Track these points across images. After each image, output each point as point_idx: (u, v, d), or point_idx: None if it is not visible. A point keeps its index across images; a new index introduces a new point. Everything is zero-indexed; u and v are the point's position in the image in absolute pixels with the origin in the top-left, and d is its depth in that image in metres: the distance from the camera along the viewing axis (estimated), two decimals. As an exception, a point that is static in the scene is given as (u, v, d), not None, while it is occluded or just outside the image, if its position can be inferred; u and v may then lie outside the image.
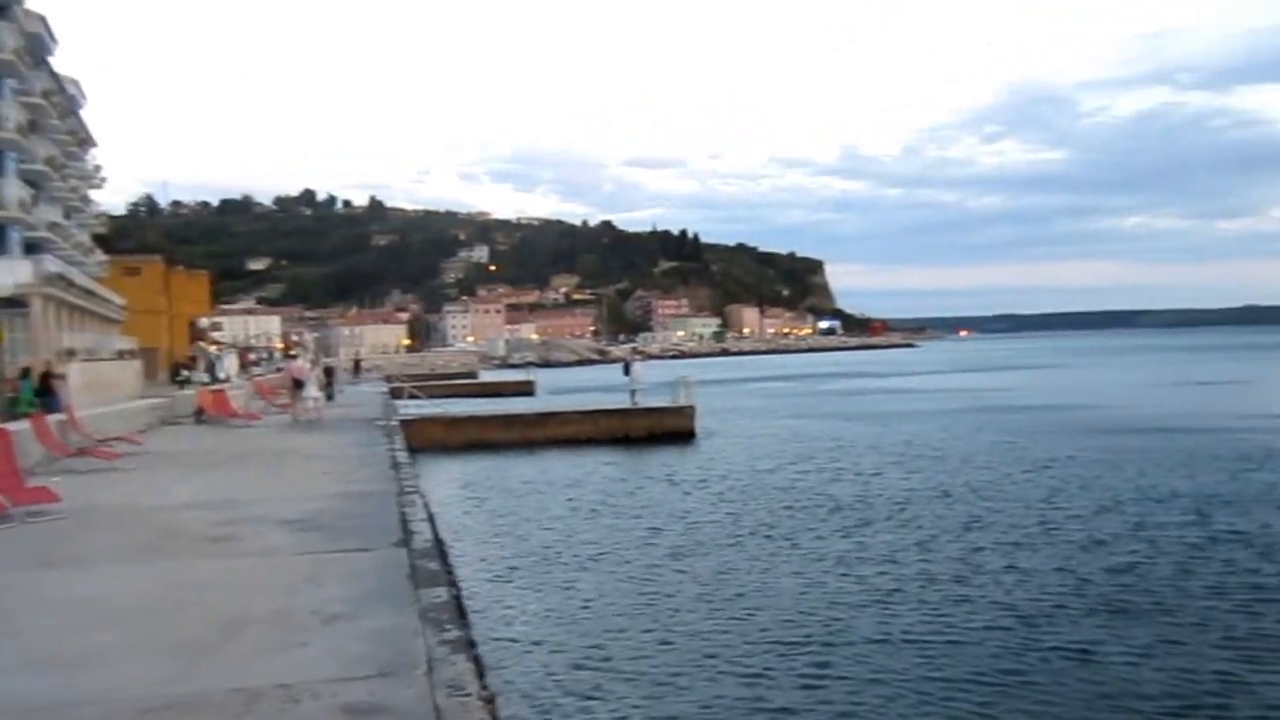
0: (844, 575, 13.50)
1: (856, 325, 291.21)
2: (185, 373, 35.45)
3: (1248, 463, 23.00)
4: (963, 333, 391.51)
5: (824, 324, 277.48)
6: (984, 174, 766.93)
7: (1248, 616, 11.11)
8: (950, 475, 22.58)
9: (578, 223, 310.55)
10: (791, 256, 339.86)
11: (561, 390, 63.25)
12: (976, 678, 9.38)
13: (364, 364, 68.87)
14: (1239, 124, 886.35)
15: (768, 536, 16.24)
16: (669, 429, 34.08)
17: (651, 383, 38.08)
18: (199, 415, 23.45)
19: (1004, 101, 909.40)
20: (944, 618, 11.28)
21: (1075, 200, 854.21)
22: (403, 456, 15.53)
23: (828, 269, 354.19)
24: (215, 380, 33.06)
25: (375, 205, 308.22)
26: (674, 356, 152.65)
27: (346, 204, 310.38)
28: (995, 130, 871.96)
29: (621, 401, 35.99)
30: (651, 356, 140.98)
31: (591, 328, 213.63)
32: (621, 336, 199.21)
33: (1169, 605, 11.62)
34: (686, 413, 35.46)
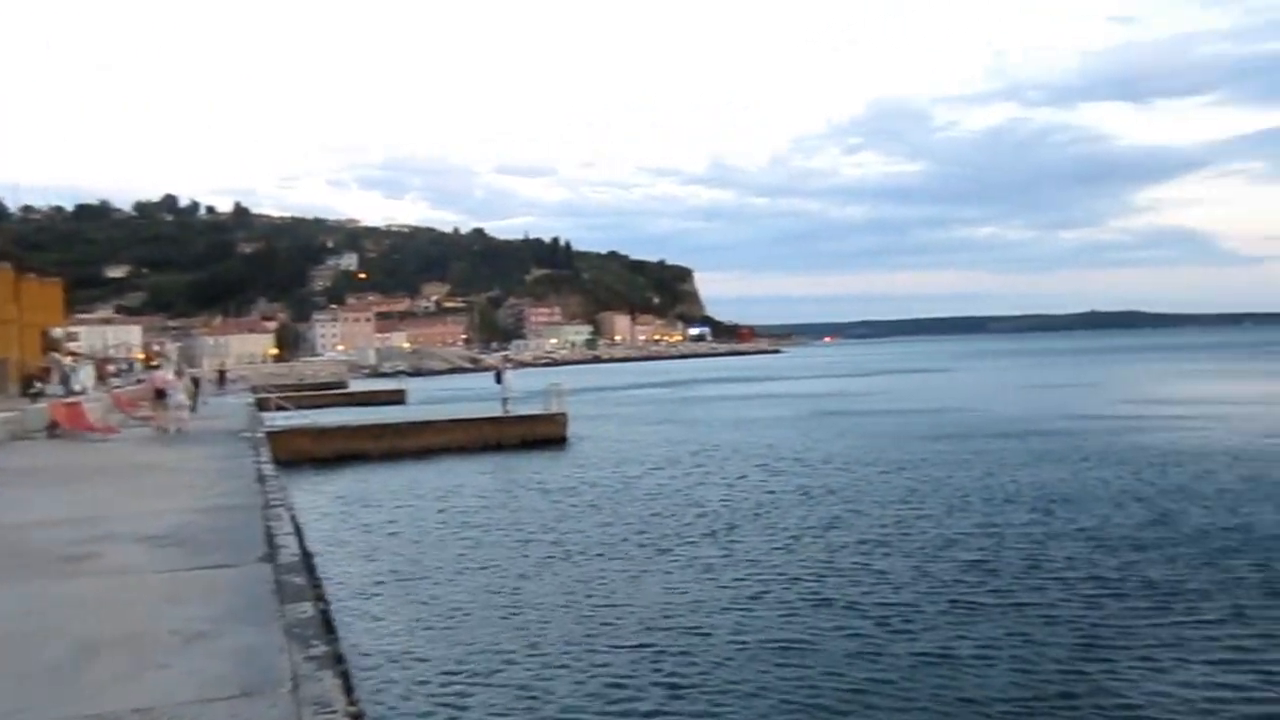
0: (708, 579, 13.71)
1: (725, 332, 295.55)
2: (37, 385, 33.56)
3: (1087, 461, 24.28)
4: (827, 339, 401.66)
5: (694, 331, 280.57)
6: (846, 185, 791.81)
7: (1089, 607, 11.69)
8: (811, 478, 23.17)
9: (449, 230, 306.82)
10: (662, 264, 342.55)
11: (433, 399, 62.43)
12: (836, 680, 9.60)
13: (229, 374, 66.48)
14: (1080, 139, 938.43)
15: (635, 543, 16.39)
16: (541, 436, 34.04)
17: (524, 390, 37.97)
18: (52, 429, 22.26)
19: (865, 115, 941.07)
20: (804, 620, 11.55)
21: (931, 211, 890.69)
22: (269, 469, 15.07)
23: (697, 277, 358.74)
24: (70, 393, 31.43)
25: (240, 211, 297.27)
26: (547, 364, 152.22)
27: (210, 210, 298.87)
28: (856, 142, 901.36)
29: (494, 410, 35.79)
30: (524, 364, 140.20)
31: (463, 336, 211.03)
32: (494, 344, 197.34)
33: (1017, 601, 12.11)
34: (558, 420, 35.48)
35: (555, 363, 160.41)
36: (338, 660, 5.53)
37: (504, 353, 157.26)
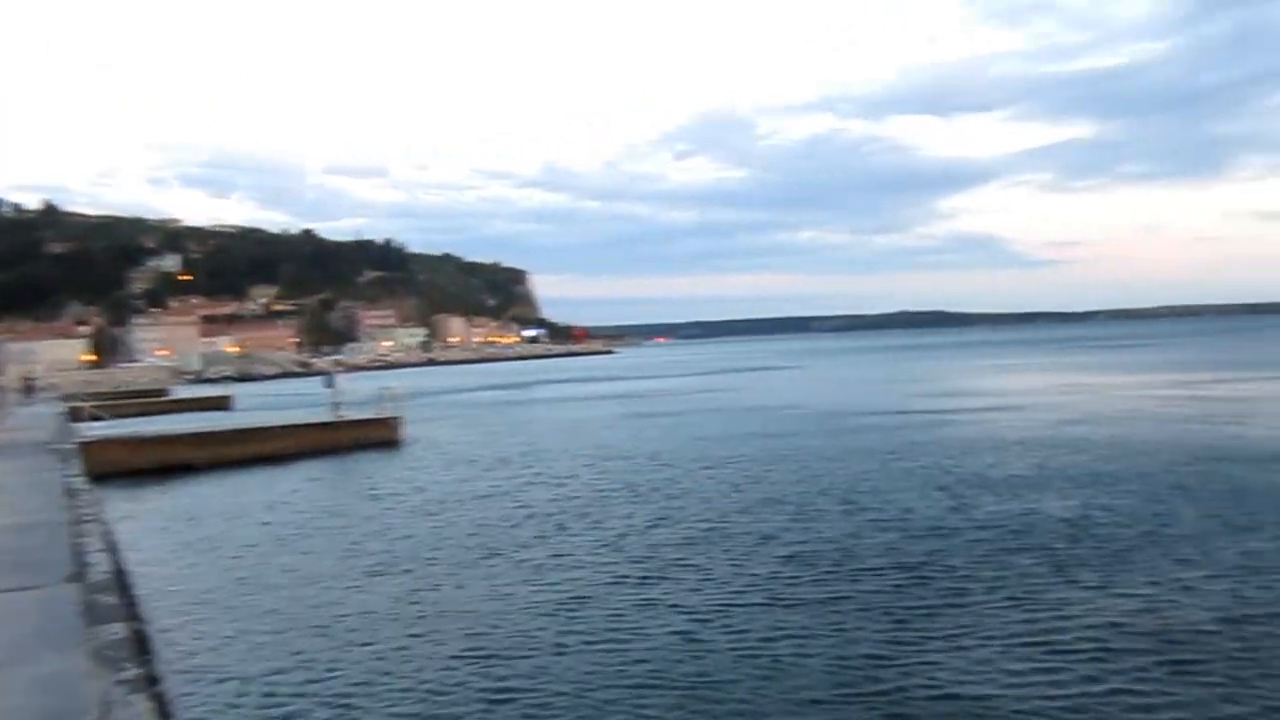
0: (537, 582, 13.72)
1: (560, 333, 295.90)
2: None
3: (895, 454, 25.43)
4: (658, 339, 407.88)
5: (529, 332, 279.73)
6: (676, 190, 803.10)
7: (897, 594, 12.19)
8: (638, 475, 23.51)
9: (278, 231, 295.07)
10: (496, 266, 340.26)
11: (262, 405, 60.02)
12: (661, 679, 9.67)
13: (38, 383, 62.06)
14: (890, 150, 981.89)
15: (466, 547, 16.26)
16: (374, 440, 33.32)
17: (358, 394, 37.04)
18: None
19: (693, 123, 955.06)
20: (630, 620, 11.65)
21: (757, 216, 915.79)
22: (80, 482, 14.18)
23: (532, 279, 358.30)
24: None
25: (50, 209, 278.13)
26: (381, 367, 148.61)
27: (17, 208, 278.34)
28: (686, 149, 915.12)
29: (325, 415, 34.74)
30: (358, 368, 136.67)
31: (294, 339, 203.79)
32: (326, 348, 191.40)
33: (831, 592, 12.49)
34: (392, 423, 34.79)
35: (389, 366, 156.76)
36: (152, 682, 5.27)
37: (335, 356, 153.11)
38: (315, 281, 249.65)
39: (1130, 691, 8.80)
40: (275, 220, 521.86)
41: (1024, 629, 10.63)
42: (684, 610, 11.93)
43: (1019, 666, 9.53)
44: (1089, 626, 10.60)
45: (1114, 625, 10.60)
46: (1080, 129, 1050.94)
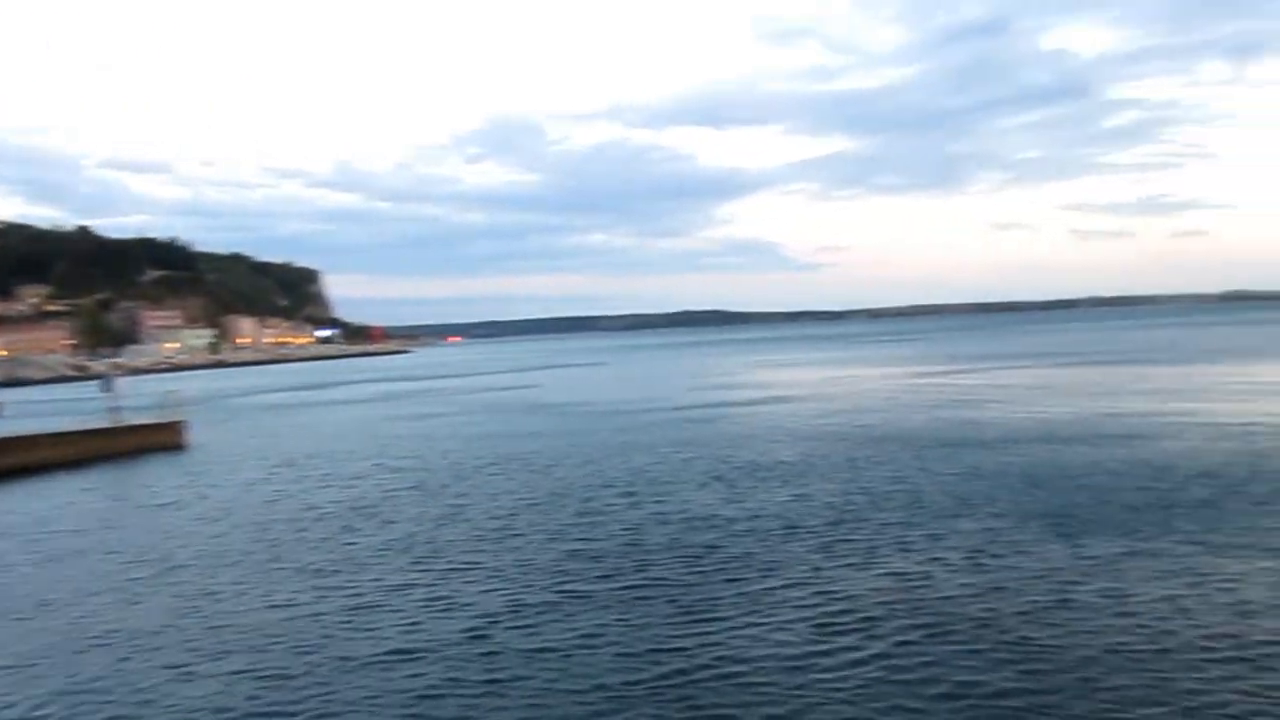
0: (322, 587, 13.04)
1: (355, 333, 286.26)
2: None
3: (674, 446, 25.90)
4: (451, 339, 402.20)
5: (323, 333, 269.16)
6: (469, 192, 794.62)
7: (681, 584, 12.27)
8: (427, 475, 22.91)
9: (49, 227, 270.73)
10: (288, 266, 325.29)
11: (32, 412, 54.94)
12: (452, 683, 9.32)
13: None
14: (672, 158, 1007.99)
15: (249, 553, 15.28)
16: (157, 446, 31.26)
17: (141, 397, 34.58)
18: None
19: (485, 126, 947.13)
20: (419, 624, 11.19)
21: (547, 219, 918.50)
22: None
23: (326, 279, 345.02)
24: None
25: None
26: (167, 370, 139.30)
27: None
28: (478, 152, 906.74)
29: (103, 420, 32.23)
30: (142, 371, 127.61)
31: (69, 342, 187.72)
32: (104, 350, 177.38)
33: (618, 585, 12.46)
34: (175, 428, 32.73)
35: (176, 368, 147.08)
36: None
37: (115, 359, 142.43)
38: (92, 281, 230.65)
39: (890, 655, 9.32)
40: (47, 216, 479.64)
41: (797, 607, 10.98)
42: (475, 610, 11.57)
43: (794, 640, 9.86)
44: (853, 599, 11.12)
45: (874, 598, 11.15)
46: (842, 144, 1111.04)
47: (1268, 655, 8.92)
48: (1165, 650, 9.17)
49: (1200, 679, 8.46)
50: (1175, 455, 20.31)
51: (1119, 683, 8.46)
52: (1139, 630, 9.74)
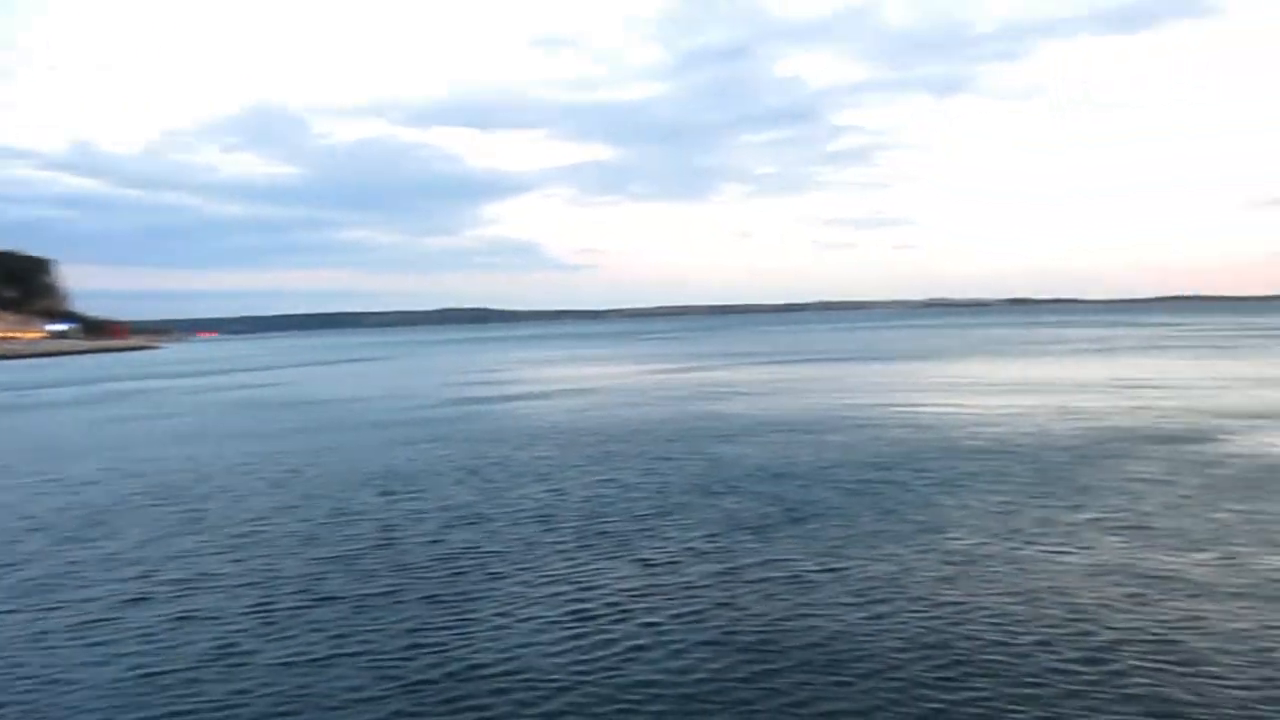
0: (39, 607, 11.56)
1: (96, 328, 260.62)
2: None
3: (433, 442, 25.17)
4: (203, 334, 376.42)
5: (57, 327, 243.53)
6: (225, 183, 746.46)
7: (439, 583, 11.79)
8: (168, 477, 21.01)
9: None
10: (16, 255, 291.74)
11: None
12: (195, 700, 8.62)
13: None
14: (439, 158, 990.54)
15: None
16: None
17: None
18: None
19: (242, 116, 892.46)
20: (156, 642, 10.22)
21: (310, 213, 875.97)
22: None
23: (62, 269, 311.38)
24: None
25: None
26: None
27: None
28: (235, 142, 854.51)
29: None
30: None
31: None
32: None
33: (370, 589, 11.91)
34: None
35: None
36: None
37: None
38: None
39: (644, 644, 9.31)
40: None
41: (555, 602, 10.79)
42: (218, 621, 10.57)
43: (553, 635, 9.67)
44: (611, 592, 11.07)
45: (630, 588, 11.16)
46: (601, 151, 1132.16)
47: (965, 621, 9.64)
48: (879, 621, 9.73)
49: (912, 648, 9.01)
50: (886, 443, 21.99)
51: (839, 649, 8.89)
52: (861, 607, 10.31)
